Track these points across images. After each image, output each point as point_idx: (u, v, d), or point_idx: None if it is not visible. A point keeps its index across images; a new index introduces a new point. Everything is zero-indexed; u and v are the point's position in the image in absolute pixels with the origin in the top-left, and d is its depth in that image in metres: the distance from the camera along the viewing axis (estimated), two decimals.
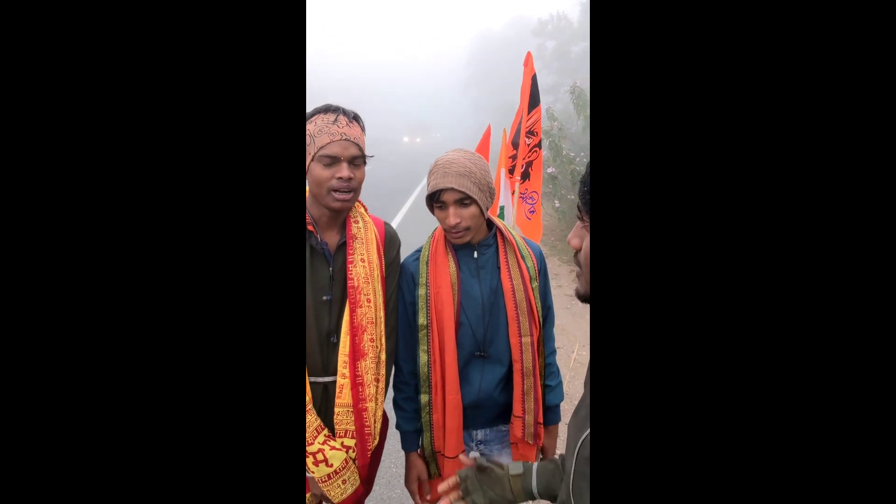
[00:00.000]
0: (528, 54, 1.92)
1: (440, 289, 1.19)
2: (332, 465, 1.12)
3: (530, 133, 1.85)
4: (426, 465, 1.27)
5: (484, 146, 1.98)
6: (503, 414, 1.27)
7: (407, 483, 1.30)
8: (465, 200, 1.12)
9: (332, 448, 1.14)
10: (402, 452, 1.31)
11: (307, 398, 1.13)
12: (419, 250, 1.27)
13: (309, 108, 1.17)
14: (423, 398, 1.23)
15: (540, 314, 1.24)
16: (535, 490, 0.84)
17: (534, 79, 1.87)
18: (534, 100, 1.87)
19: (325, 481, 1.12)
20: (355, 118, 1.17)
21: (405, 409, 1.27)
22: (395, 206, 9.39)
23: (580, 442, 0.62)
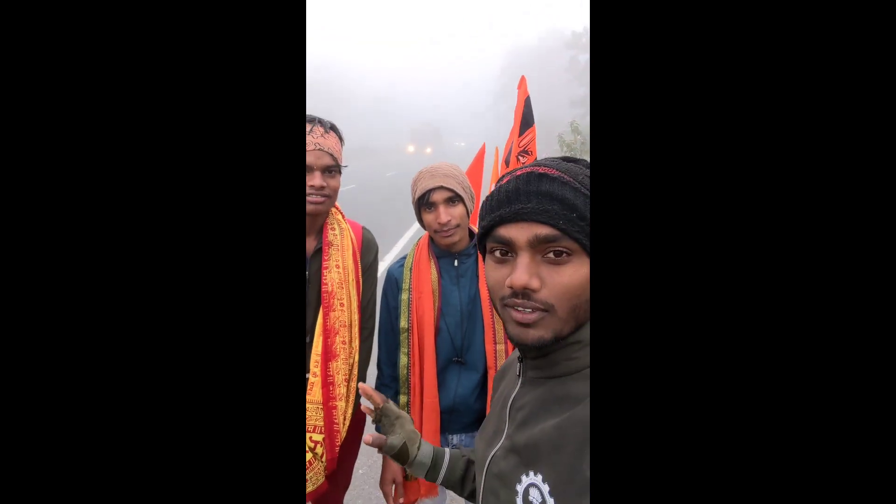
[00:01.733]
0: (522, 78, 1.99)
1: (422, 294, 1.25)
2: None
3: (524, 153, 1.92)
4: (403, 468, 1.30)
5: (477, 165, 2.06)
6: (479, 420, 1.31)
7: (381, 484, 1.33)
8: (453, 199, 1.21)
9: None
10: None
11: None
12: (404, 257, 1.34)
13: (324, 114, 1.26)
14: (402, 399, 1.28)
15: None
16: (438, 482, 0.82)
17: (527, 101, 1.94)
18: (526, 121, 1.94)
19: None
20: (332, 128, 1.23)
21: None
22: (394, 232, 7.34)
23: (490, 458, 0.62)
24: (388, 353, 1.32)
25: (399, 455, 0.80)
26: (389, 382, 1.32)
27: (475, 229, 1.34)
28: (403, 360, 1.26)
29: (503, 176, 0.61)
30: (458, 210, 1.21)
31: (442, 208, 1.20)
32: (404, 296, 1.27)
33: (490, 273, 0.59)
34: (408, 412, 1.26)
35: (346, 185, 14.75)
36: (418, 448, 0.81)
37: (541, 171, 0.56)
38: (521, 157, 1.92)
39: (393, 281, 1.32)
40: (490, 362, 1.25)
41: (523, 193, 0.55)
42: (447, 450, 0.86)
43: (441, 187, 1.19)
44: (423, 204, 1.22)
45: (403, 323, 1.26)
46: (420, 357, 1.25)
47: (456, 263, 1.28)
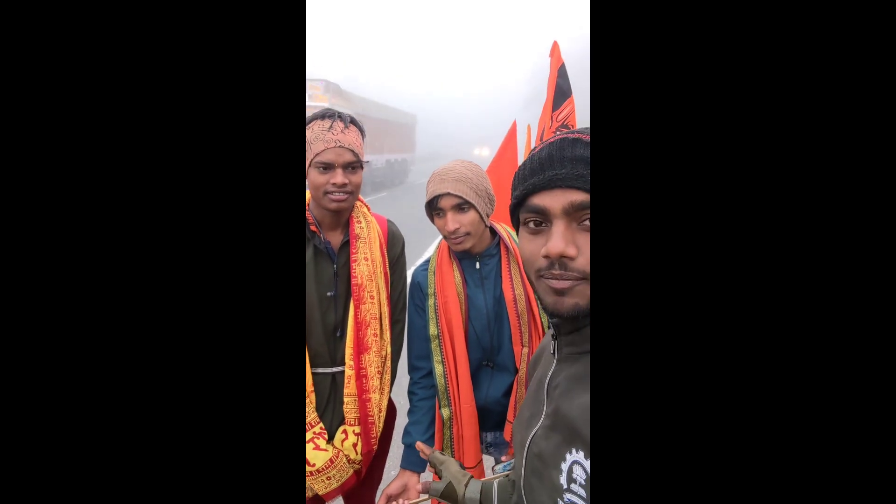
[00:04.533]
0: (555, 43, 1.80)
1: (447, 298, 1.21)
2: (313, 465, 1.18)
3: (563, 128, 1.74)
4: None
5: (509, 143, 1.89)
6: None
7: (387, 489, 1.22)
8: (462, 206, 1.12)
9: (317, 448, 1.19)
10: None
11: (308, 390, 1.20)
12: (428, 260, 1.29)
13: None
14: (446, 412, 1.22)
15: (546, 325, 1.20)
16: None
17: (561, 70, 1.74)
18: (562, 92, 1.74)
19: (308, 477, 1.19)
20: (352, 122, 1.19)
21: (408, 422, 1.29)
22: (428, 238, 6.28)
23: (529, 439, 0.61)
24: (418, 359, 1.28)
25: (446, 496, 0.82)
26: (417, 390, 1.29)
27: (499, 227, 1.26)
28: (439, 369, 1.21)
29: (536, 147, 0.59)
30: (469, 217, 1.13)
31: (450, 215, 1.12)
32: (430, 301, 1.23)
33: (524, 245, 0.58)
34: (450, 425, 1.23)
35: (381, 191, 15.03)
36: (466, 486, 0.83)
37: (574, 136, 0.55)
38: (560, 133, 1.75)
39: (416, 284, 1.28)
40: (518, 365, 1.20)
41: (557, 160, 0.53)
42: (495, 481, 0.84)
43: (449, 194, 1.10)
44: (433, 209, 1.16)
45: (433, 329, 1.22)
46: (454, 365, 1.20)
47: (478, 266, 1.22)
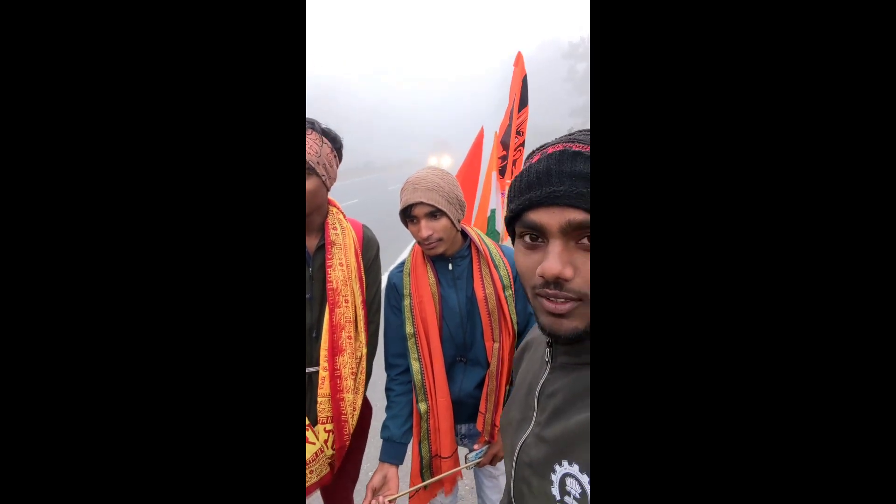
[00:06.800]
0: (519, 54, 1.88)
1: (422, 298, 1.26)
2: None
3: (518, 134, 1.82)
4: (420, 472, 1.32)
5: (476, 150, 1.95)
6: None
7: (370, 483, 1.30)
8: (435, 213, 1.18)
9: (306, 441, 1.24)
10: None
11: None
12: (403, 262, 1.34)
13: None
14: (423, 406, 1.29)
15: (515, 322, 1.26)
16: None
17: (524, 80, 1.84)
18: (523, 101, 1.85)
19: None
20: (314, 130, 1.18)
21: (386, 418, 1.34)
22: (397, 244, 6.84)
23: (519, 447, 0.59)
24: (395, 356, 1.34)
25: None
26: (394, 386, 1.35)
27: (469, 230, 1.33)
28: (416, 366, 1.27)
29: (533, 153, 0.55)
30: (441, 223, 1.19)
31: (423, 223, 1.18)
32: (406, 301, 1.28)
33: (520, 259, 0.54)
34: (427, 418, 1.28)
35: (350, 199, 15.20)
36: None
37: (575, 148, 0.50)
38: (515, 137, 1.83)
39: (392, 286, 1.33)
40: (490, 360, 1.27)
41: (555, 175, 0.49)
42: None
43: (422, 203, 1.16)
44: (406, 216, 1.22)
45: (409, 328, 1.27)
46: (430, 361, 1.27)
47: (450, 267, 1.28)
